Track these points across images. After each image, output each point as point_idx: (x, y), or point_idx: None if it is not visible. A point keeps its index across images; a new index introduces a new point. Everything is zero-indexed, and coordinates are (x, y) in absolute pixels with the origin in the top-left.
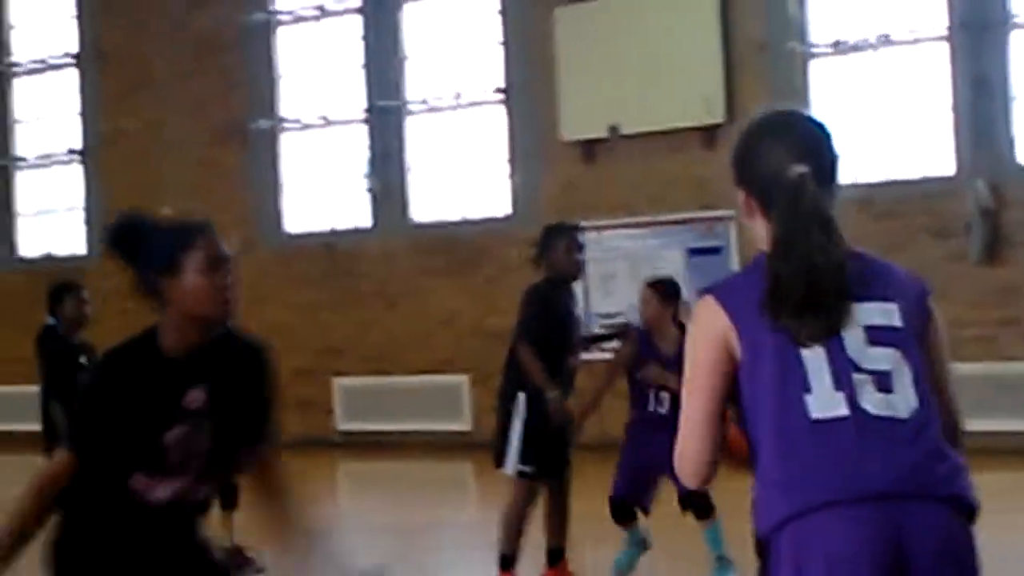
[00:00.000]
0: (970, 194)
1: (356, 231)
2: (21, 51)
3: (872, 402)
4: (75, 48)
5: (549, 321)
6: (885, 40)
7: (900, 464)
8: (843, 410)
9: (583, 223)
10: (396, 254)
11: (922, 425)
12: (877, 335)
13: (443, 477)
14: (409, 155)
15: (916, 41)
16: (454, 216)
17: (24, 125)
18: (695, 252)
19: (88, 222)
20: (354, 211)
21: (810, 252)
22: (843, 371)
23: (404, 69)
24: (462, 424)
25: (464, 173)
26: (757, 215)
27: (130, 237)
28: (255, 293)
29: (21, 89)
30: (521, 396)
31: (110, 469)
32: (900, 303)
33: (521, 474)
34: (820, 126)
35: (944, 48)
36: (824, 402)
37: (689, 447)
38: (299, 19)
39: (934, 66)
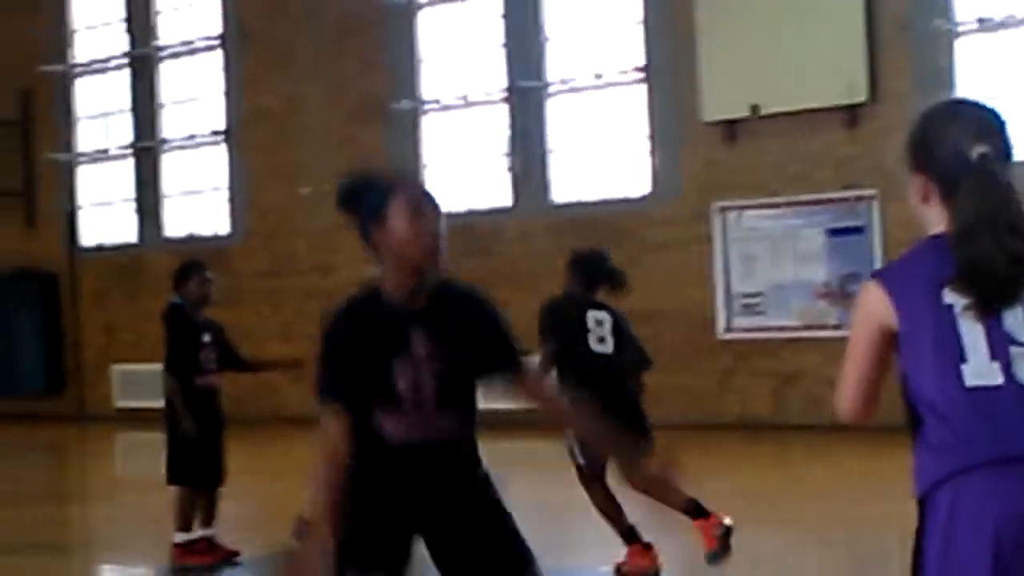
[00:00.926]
0: None
1: (495, 211)
2: (167, 34)
3: None
4: (218, 29)
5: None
6: None
7: None
8: (998, 379)
9: (724, 204)
10: (535, 234)
11: None
12: None
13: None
14: (549, 135)
15: None
16: (594, 196)
17: (169, 108)
18: (836, 232)
19: (231, 201)
20: (494, 191)
21: (1001, 235)
22: (1000, 343)
23: (545, 49)
24: None
25: (604, 153)
26: (934, 200)
27: (352, 194)
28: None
29: (167, 72)
30: None
31: (357, 411)
32: None
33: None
34: (994, 112)
35: None
36: (979, 371)
37: (842, 392)
38: (440, 0)
39: None
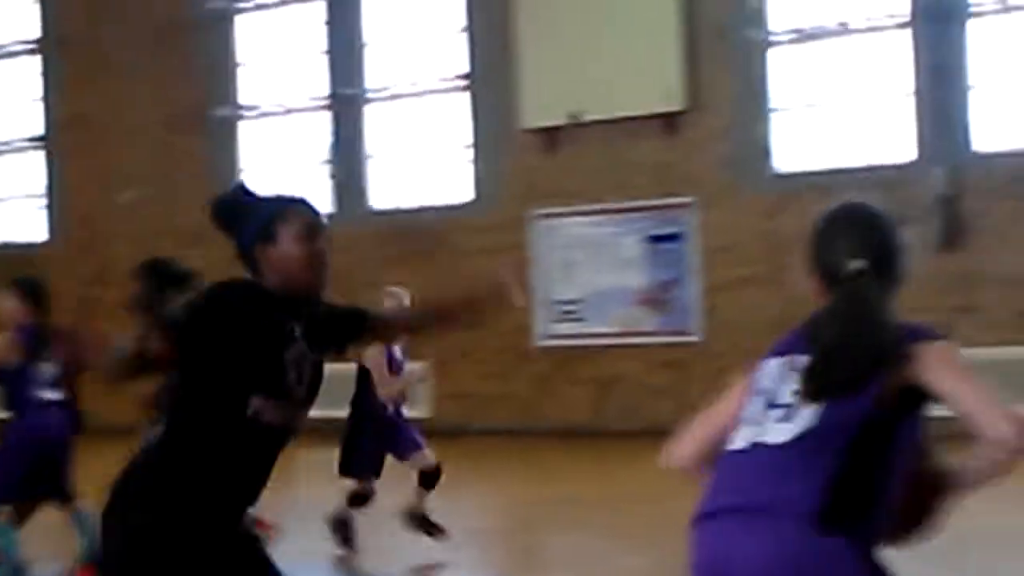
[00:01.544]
0: (929, 181)
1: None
2: None
3: None
4: (36, 34)
5: None
6: (844, 28)
7: None
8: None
9: (542, 211)
10: (356, 241)
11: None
12: None
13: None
14: (370, 143)
15: (875, 29)
16: (415, 203)
17: None
18: (654, 239)
19: (49, 207)
20: (314, 199)
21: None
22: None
23: (365, 56)
24: (421, 412)
25: (425, 161)
26: (821, 297)
27: (233, 209)
28: (218, 280)
29: None
30: None
31: (232, 388)
32: None
33: None
34: (882, 218)
35: (904, 36)
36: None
37: None
38: (260, 6)
39: (893, 54)
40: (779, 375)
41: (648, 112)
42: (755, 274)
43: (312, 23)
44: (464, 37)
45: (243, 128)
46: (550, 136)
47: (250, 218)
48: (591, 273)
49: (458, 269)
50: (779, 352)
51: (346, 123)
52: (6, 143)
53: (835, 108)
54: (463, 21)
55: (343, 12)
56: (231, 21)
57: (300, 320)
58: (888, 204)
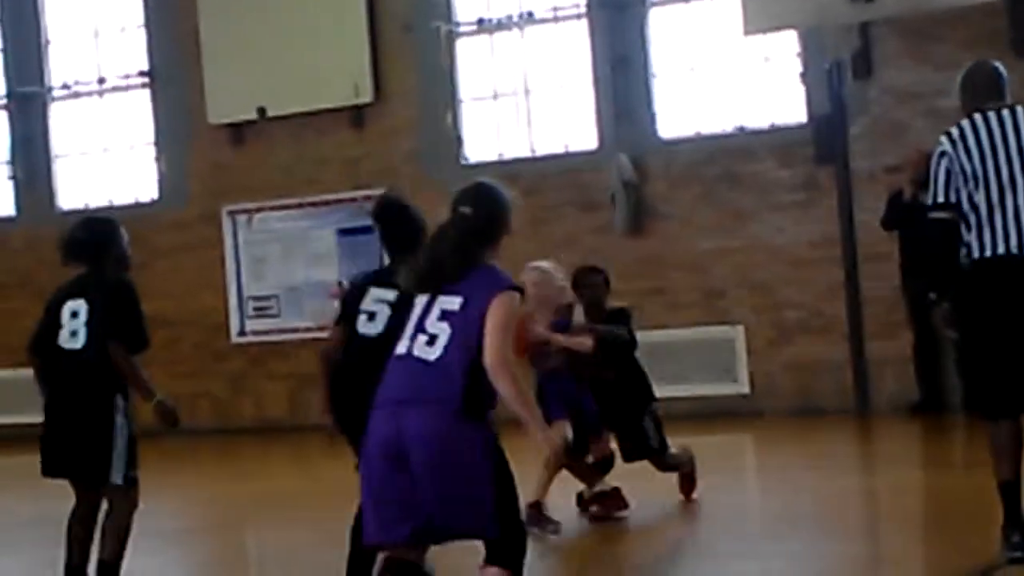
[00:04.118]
0: (613, 168)
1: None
2: None
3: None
4: None
5: None
6: (528, 18)
7: None
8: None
9: (233, 207)
10: (43, 242)
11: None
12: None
13: None
14: (54, 141)
15: (557, 20)
16: (102, 202)
17: None
18: (347, 232)
19: None
20: None
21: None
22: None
23: (47, 54)
24: None
25: (111, 158)
26: None
27: None
28: None
29: None
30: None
31: None
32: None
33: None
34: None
35: (584, 26)
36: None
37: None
38: None
39: (576, 43)
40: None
41: (337, 105)
42: None
43: None
44: (143, 33)
45: None
46: (238, 132)
47: None
48: (284, 268)
49: (151, 267)
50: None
51: (28, 122)
52: None
53: (522, 98)
54: (141, 17)
55: (20, 8)
56: None
57: None
58: (574, 191)
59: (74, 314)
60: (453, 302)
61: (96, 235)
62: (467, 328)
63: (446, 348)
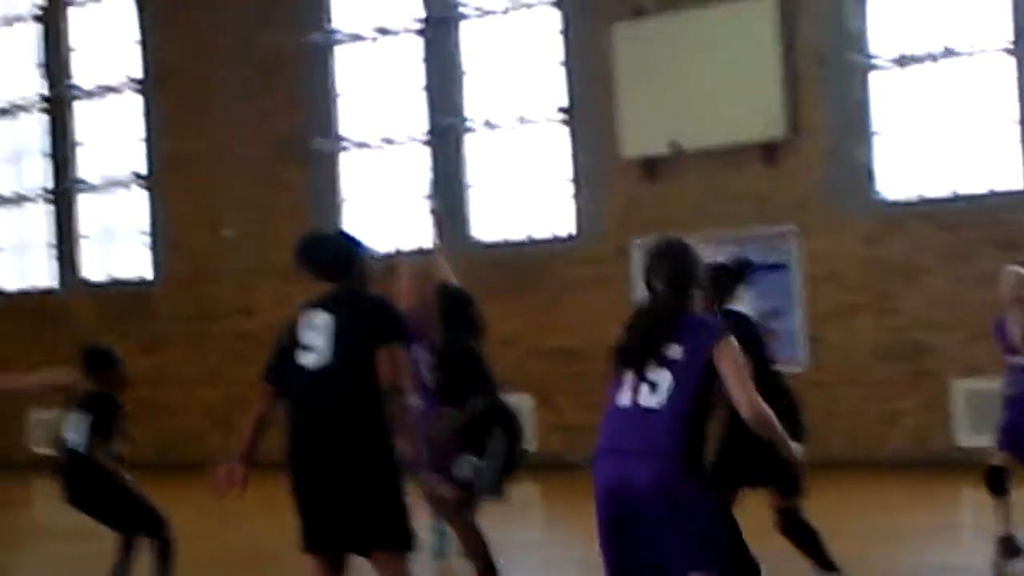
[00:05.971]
0: None
1: (420, 252)
2: (83, 75)
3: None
4: (138, 73)
5: None
6: (947, 52)
7: None
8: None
9: (643, 241)
10: (457, 274)
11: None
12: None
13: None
14: (470, 175)
15: (979, 53)
16: (517, 236)
17: (85, 148)
18: (758, 269)
19: (153, 245)
20: (416, 231)
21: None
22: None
23: (464, 88)
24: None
25: (526, 193)
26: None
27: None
28: None
29: (82, 112)
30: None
31: None
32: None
33: None
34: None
35: (1008, 60)
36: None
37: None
38: (357, 38)
39: (998, 78)
40: None
41: (748, 140)
42: (860, 302)
43: (411, 55)
44: (561, 69)
45: (344, 160)
46: (651, 166)
47: None
48: None
49: (560, 302)
50: None
51: (446, 155)
52: (110, 179)
53: (938, 134)
54: (560, 53)
55: (441, 44)
56: (329, 54)
57: None
58: (994, 234)
59: None
60: (674, 350)
61: None
62: (688, 376)
63: (669, 396)
